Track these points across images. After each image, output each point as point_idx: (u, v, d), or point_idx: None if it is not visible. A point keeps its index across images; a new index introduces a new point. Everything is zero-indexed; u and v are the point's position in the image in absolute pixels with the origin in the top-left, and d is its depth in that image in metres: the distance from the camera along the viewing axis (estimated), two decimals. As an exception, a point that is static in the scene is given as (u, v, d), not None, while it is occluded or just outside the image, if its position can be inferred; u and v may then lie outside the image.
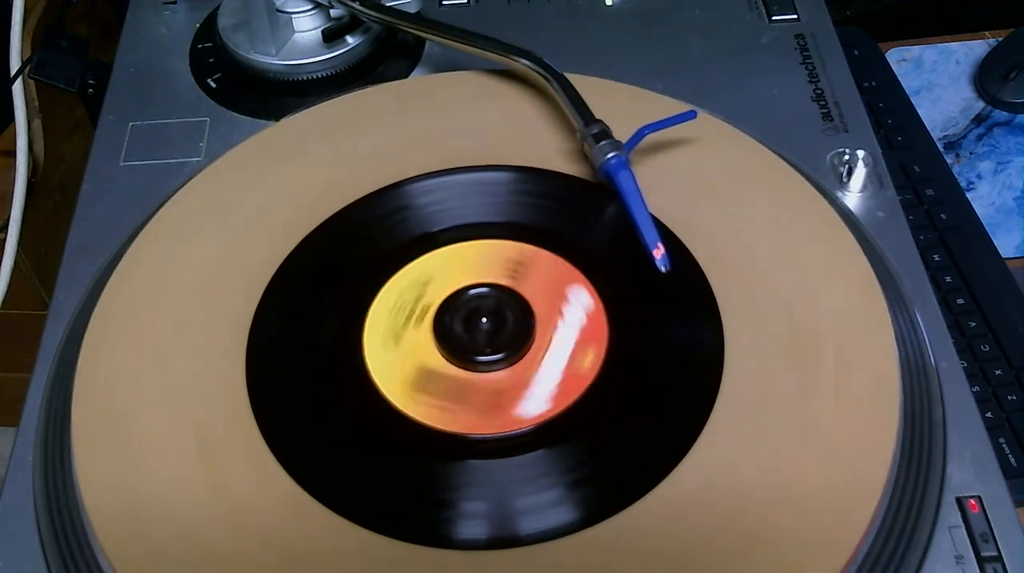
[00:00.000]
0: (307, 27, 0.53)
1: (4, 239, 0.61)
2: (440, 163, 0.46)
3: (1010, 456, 0.51)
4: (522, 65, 0.48)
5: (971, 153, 0.69)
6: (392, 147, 0.47)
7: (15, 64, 0.62)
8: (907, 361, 0.40)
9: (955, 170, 0.66)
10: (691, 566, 0.34)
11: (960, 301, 0.57)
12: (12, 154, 0.62)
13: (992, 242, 0.61)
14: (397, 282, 0.42)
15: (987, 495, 0.37)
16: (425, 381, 0.39)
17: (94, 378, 0.39)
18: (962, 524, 0.37)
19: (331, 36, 0.52)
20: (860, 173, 0.47)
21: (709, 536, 0.35)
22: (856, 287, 0.41)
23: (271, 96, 0.52)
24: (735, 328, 0.40)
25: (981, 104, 0.72)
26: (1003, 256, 0.60)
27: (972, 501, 0.37)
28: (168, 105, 0.52)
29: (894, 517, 0.36)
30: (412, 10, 0.52)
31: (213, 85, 0.53)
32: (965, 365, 0.48)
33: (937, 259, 0.59)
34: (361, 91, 0.51)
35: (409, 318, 0.41)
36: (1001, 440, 0.51)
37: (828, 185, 0.47)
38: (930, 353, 0.41)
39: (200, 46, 0.55)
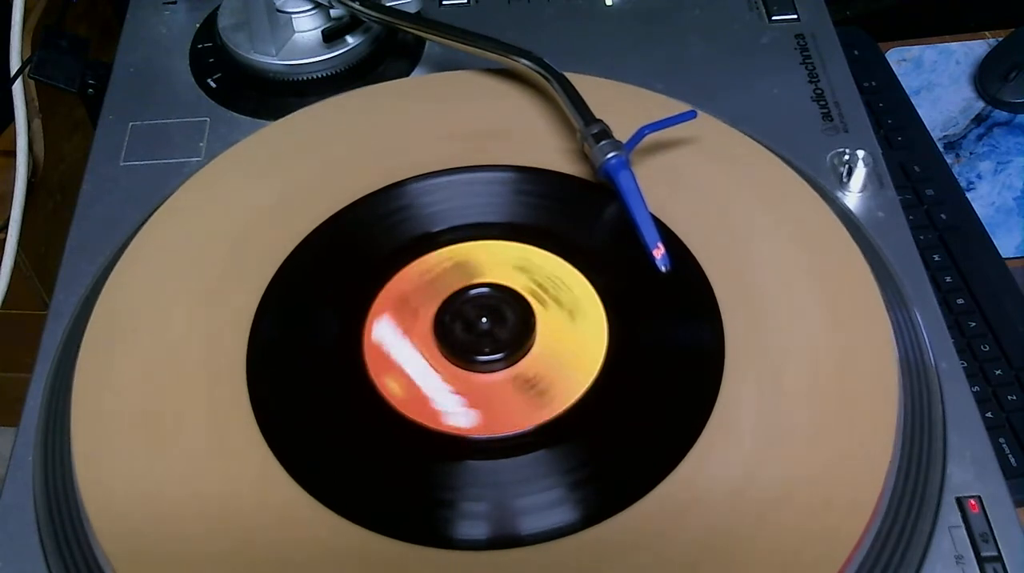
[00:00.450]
0: (307, 27, 0.53)
1: (4, 239, 0.61)
2: (440, 163, 0.46)
3: (1010, 456, 0.51)
4: (522, 65, 0.48)
5: (971, 153, 0.69)
6: (392, 147, 0.47)
7: (15, 64, 0.62)
8: (907, 361, 0.40)
9: (955, 170, 0.66)
10: (691, 566, 0.34)
11: (960, 301, 0.57)
12: (12, 154, 0.62)
13: (992, 242, 0.61)
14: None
15: (987, 495, 0.37)
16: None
17: (94, 378, 0.39)
18: (962, 524, 0.37)
19: (331, 36, 0.52)
20: (860, 173, 0.47)
21: (709, 536, 0.35)
22: (856, 287, 0.41)
23: (271, 96, 0.52)
24: (735, 328, 0.40)
25: (981, 104, 0.72)
26: (1003, 256, 0.60)
27: (972, 501, 0.37)
28: (168, 105, 0.52)
29: (894, 517, 0.36)
30: (412, 10, 0.52)
31: (213, 85, 0.53)
32: (965, 365, 0.48)
33: (937, 259, 0.59)
34: (361, 90, 0.51)
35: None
36: (1001, 440, 0.51)
37: (828, 185, 0.47)
38: (930, 353, 0.41)
39: (200, 46, 0.55)
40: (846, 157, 0.48)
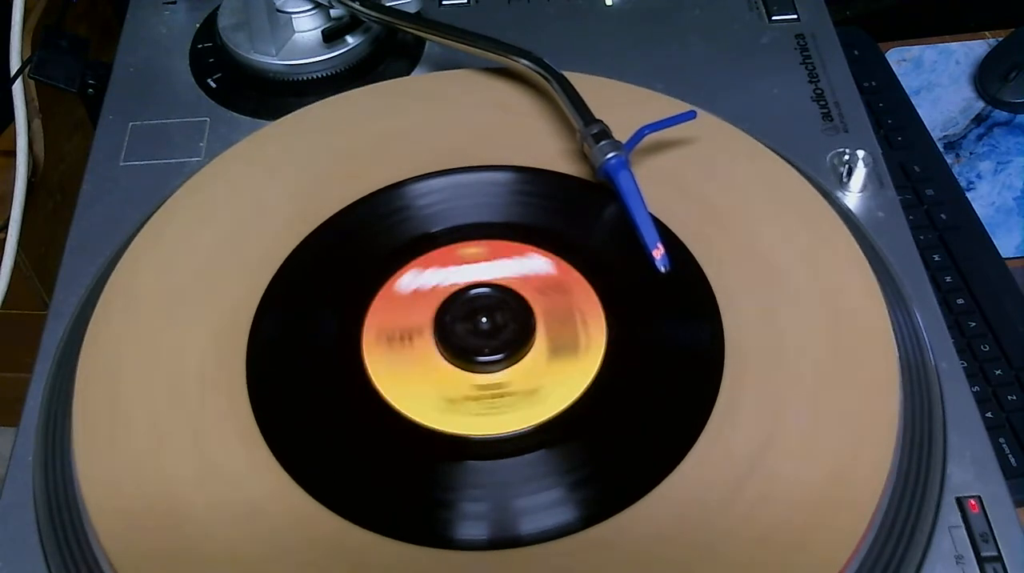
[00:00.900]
0: (307, 27, 0.53)
1: (4, 239, 0.61)
2: (440, 163, 0.46)
3: (1010, 456, 0.51)
4: (522, 65, 0.48)
5: (971, 153, 0.69)
6: (392, 147, 0.47)
7: (15, 64, 0.62)
8: (907, 361, 0.40)
9: (955, 170, 0.66)
10: (691, 566, 0.34)
11: (960, 301, 0.57)
12: (12, 154, 0.62)
13: (992, 242, 0.61)
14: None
15: (987, 495, 0.37)
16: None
17: (94, 378, 0.39)
18: (962, 524, 0.37)
19: (331, 36, 0.52)
20: (860, 173, 0.47)
21: (709, 536, 0.35)
22: (856, 287, 0.41)
23: (271, 96, 0.52)
24: (735, 328, 0.40)
25: (981, 104, 0.72)
26: (1003, 256, 0.60)
27: (972, 501, 0.37)
28: (168, 105, 0.52)
29: (894, 517, 0.36)
30: (412, 10, 0.52)
31: (213, 85, 0.53)
32: (965, 365, 0.48)
33: (937, 259, 0.59)
34: (360, 90, 0.51)
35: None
36: (1001, 440, 0.51)
37: (828, 185, 0.47)
38: (930, 353, 0.41)
39: (200, 46, 0.55)
40: (846, 157, 0.48)
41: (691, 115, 0.44)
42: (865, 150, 0.48)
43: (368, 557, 0.35)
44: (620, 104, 0.47)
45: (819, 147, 0.49)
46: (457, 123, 0.48)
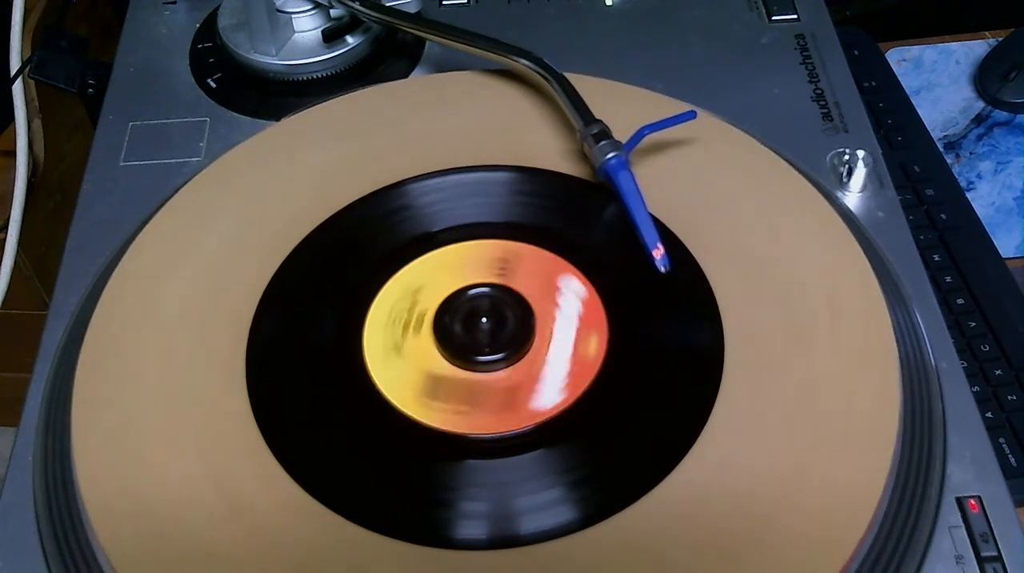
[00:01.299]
0: (307, 27, 0.53)
1: (4, 239, 0.61)
2: (440, 163, 0.46)
3: (1010, 456, 0.51)
4: (522, 65, 0.48)
5: (971, 153, 0.69)
6: (392, 147, 0.47)
7: (15, 64, 0.62)
8: (907, 361, 0.40)
9: (955, 170, 0.66)
10: (691, 566, 0.34)
11: (960, 301, 0.57)
12: (12, 154, 0.62)
13: (992, 242, 0.61)
14: (387, 294, 0.42)
15: (987, 495, 0.37)
16: (434, 388, 0.39)
17: (94, 378, 0.39)
18: (962, 524, 0.37)
19: (331, 36, 0.52)
20: (860, 173, 0.47)
21: (709, 536, 0.35)
22: (856, 287, 0.41)
23: (271, 96, 0.52)
24: (735, 328, 0.40)
25: (981, 104, 0.72)
26: (1003, 256, 0.60)
27: (972, 501, 0.37)
28: (168, 105, 0.52)
29: (894, 517, 0.36)
30: (412, 10, 0.52)
31: (213, 85, 0.53)
32: (965, 365, 0.48)
33: (937, 259, 0.59)
34: (361, 91, 0.51)
35: (407, 328, 0.41)
36: (1001, 440, 0.51)
37: (828, 185, 0.47)
38: (930, 353, 0.41)
39: (200, 46, 0.55)
40: (846, 157, 0.48)
41: (691, 115, 0.44)
42: (865, 150, 0.48)
43: (368, 556, 0.35)
44: (620, 104, 0.47)
45: (819, 147, 0.49)
46: (457, 123, 0.48)
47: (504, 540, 0.35)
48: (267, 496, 0.36)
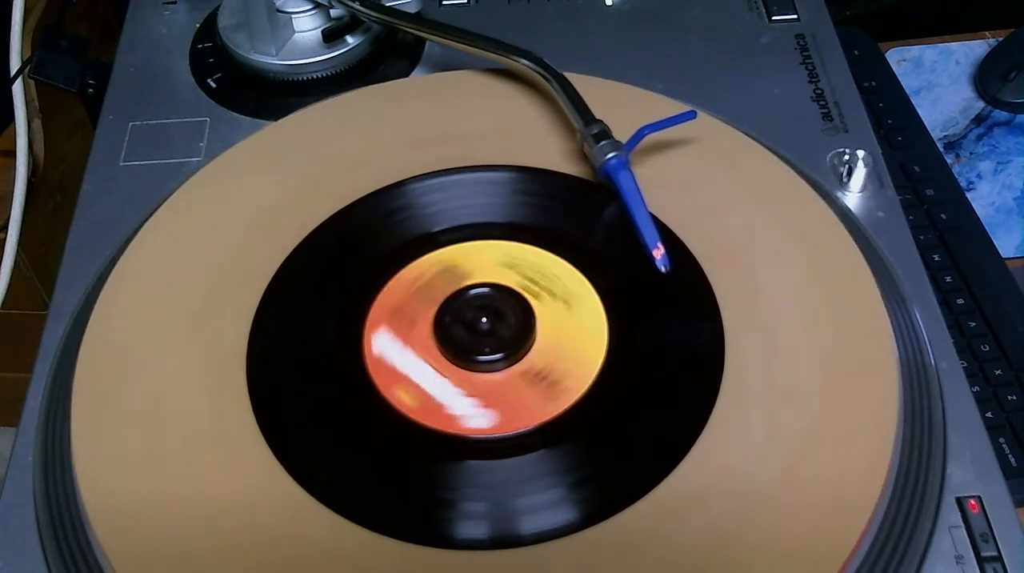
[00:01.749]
0: (307, 27, 0.53)
1: (4, 239, 0.61)
2: (440, 163, 0.46)
3: (1010, 456, 0.51)
4: (522, 65, 0.48)
5: (971, 153, 0.69)
6: (392, 147, 0.47)
7: (15, 64, 0.62)
8: (907, 361, 0.40)
9: (955, 170, 0.66)
10: (691, 566, 0.34)
11: (960, 301, 0.57)
12: (12, 154, 0.62)
13: (992, 242, 0.61)
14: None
15: (987, 495, 0.37)
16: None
17: (94, 378, 0.39)
18: (962, 524, 0.37)
19: (331, 36, 0.52)
20: (860, 173, 0.47)
21: (709, 536, 0.35)
22: (856, 287, 0.41)
23: (271, 96, 0.52)
24: (735, 328, 0.40)
25: (981, 104, 0.72)
26: (1003, 256, 0.60)
27: (972, 501, 0.37)
28: (168, 105, 0.52)
29: (894, 517, 0.36)
30: (412, 10, 0.52)
31: (213, 85, 0.53)
32: (965, 365, 0.48)
33: (937, 259, 0.59)
34: (361, 90, 0.51)
35: None
36: (1001, 440, 0.51)
37: (828, 185, 0.47)
38: (930, 353, 0.41)
39: (200, 46, 0.55)
40: (846, 157, 0.48)
41: (691, 115, 0.44)
42: (865, 150, 0.48)
43: (368, 556, 0.35)
44: (620, 104, 0.47)
45: (819, 147, 0.49)
46: (457, 123, 0.48)
47: (504, 540, 0.35)
48: (267, 496, 0.36)
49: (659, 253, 0.41)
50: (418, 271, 0.43)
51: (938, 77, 0.74)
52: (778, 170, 0.46)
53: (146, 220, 0.45)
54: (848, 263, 0.42)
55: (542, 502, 0.36)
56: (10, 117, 0.63)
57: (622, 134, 0.44)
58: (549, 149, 0.47)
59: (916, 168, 0.64)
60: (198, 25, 0.56)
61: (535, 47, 0.48)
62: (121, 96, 0.53)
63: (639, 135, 0.44)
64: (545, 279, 0.42)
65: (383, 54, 0.54)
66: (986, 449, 0.38)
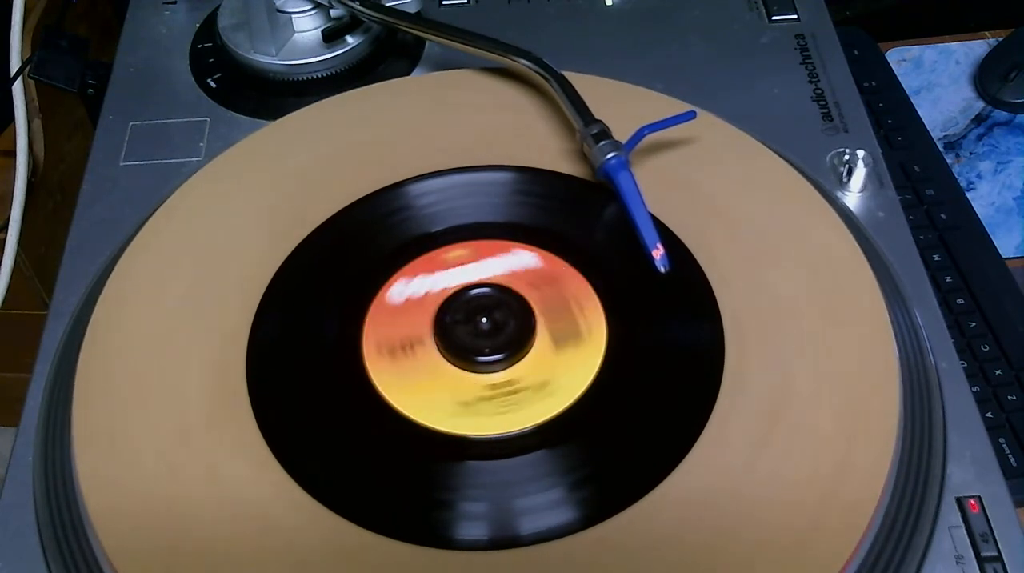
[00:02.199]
0: (307, 27, 0.53)
1: (4, 239, 0.61)
2: (440, 163, 0.46)
3: (1010, 456, 0.51)
4: (522, 65, 0.48)
5: (971, 153, 0.69)
6: (392, 147, 0.47)
7: (15, 64, 0.62)
8: (907, 361, 0.40)
9: (955, 170, 0.66)
10: (691, 566, 0.34)
11: (960, 301, 0.57)
12: (12, 154, 0.62)
13: (992, 242, 0.61)
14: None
15: (987, 495, 0.37)
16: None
17: (94, 378, 0.39)
18: (962, 524, 0.37)
19: (331, 36, 0.52)
20: (860, 173, 0.47)
21: (709, 536, 0.35)
22: (856, 287, 0.41)
23: (271, 96, 0.52)
24: (735, 328, 0.40)
25: (981, 104, 0.72)
26: (1003, 256, 0.60)
27: (972, 501, 0.37)
28: (168, 105, 0.52)
29: (894, 517, 0.36)
30: (412, 10, 0.52)
31: (213, 85, 0.53)
32: (965, 365, 0.48)
33: (937, 259, 0.59)
34: (360, 90, 0.51)
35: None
36: (1001, 440, 0.51)
37: (828, 185, 0.47)
38: (930, 353, 0.41)
39: (200, 46, 0.55)
40: (846, 157, 0.48)
41: (691, 115, 0.44)
42: (865, 150, 0.48)
43: (368, 557, 0.35)
44: (620, 104, 0.47)
45: (819, 147, 0.49)
46: (457, 123, 0.48)
47: (505, 540, 0.35)
48: (267, 496, 0.36)
49: (658, 253, 0.41)
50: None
51: (938, 77, 0.74)
52: (778, 170, 0.46)
53: (146, 220, 0.45)
54: (848, 263, 0.42)
55: (542, 502, 0.36)
56: (10, 117, 0.63)
57: (622, 134, 0.44)
58: (549, 149, 0.47)
59: (916, 168, 0.64)
60: (198, 25, 0.56)
61: (535, 47, 0.48)
62: (121, 96, 0.53)
63: (639, 135, 0.44)
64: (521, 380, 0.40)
65: (383, 54, 0.54)
66: (986, 449, 0.38)
